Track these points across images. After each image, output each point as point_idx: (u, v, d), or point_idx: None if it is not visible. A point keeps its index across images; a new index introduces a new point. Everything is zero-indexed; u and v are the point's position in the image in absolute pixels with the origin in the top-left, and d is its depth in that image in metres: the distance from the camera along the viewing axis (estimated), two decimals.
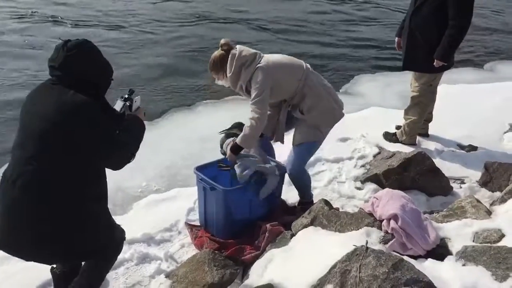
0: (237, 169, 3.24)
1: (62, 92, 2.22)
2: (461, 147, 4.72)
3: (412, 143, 4.67)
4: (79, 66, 2.27)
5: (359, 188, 4.02)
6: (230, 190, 3.20)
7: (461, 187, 3.98)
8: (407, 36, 4.35)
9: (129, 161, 2.34)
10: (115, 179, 2.29)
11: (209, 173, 3.34)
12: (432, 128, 4.89)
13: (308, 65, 3.35)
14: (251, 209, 3.33)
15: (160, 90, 6.34)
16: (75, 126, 2.16)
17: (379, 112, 5.66)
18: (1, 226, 2.24)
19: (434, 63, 4.18)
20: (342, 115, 3.47)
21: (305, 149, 3.45)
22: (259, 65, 3.14)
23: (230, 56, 3.19)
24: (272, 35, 9.02)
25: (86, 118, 2.18)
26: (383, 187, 3.81)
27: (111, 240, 2.49)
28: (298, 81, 3.23)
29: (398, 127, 4.95)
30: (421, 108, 4.52)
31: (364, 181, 4.05)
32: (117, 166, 2.33)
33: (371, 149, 4.63)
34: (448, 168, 4.19)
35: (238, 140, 3.24)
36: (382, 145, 4.72)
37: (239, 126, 3.74)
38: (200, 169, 3.37)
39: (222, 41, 3.28)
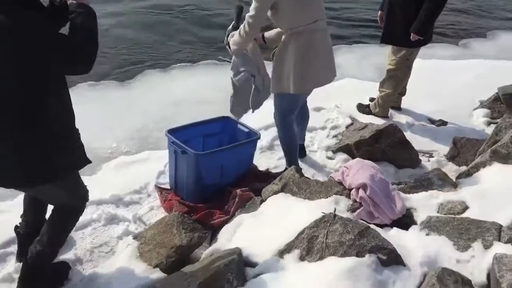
0: (231, 72, 3.24)
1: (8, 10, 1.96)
2: (432, 121, 4.78)
3: (385, 116, 4.72)
4: None
5: (330, 158, 4.04)
6: (202, 154, 3.18)
7: (429, 161, 4.06)
8: (387, 10, 4.37)
9: (94, 56, 2.12)
10: (84, 140, 2.23)
11: (181, 136, 3.30)
12: (405, 102, 4.93)
13: (322, 25, 3.17)
14: (222, 175, 3.32)
15: (134, 49, 6.19)
16: (26, 45, 1.97)
17: (354, 84, 5.67)
18: None
19: (411, 37, 4.19)
20: (310, 85, 3.33)
21: (277, 100, 3.45)
22: None
23: None
24: None
25: (34, 34, 1.98)
26: (354, 157, 3.84)
27: (75, 181, 2.42)
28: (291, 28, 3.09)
29: (371, 99, 4.97)
30: (395, 82, 4.55)
31: (335, 151, 4.08)
32: (85, 69, 2.12)
33: (344, 119, 4.65)
34: (418, 141, 4.26)
35: (232, 39, 3.17)
36: (355, 116, 4.74)
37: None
38: (172, 132, 3.33)
39: None
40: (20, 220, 2.72)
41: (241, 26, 3.09)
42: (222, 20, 7.63)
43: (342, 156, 4.00)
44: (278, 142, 4.22)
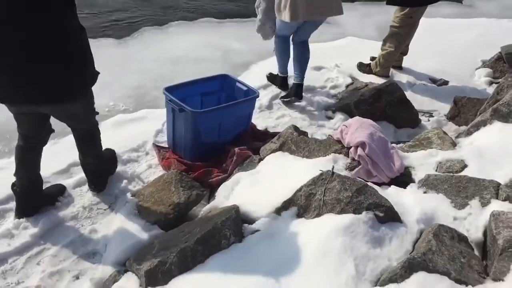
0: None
1: None
2: (433, 81, 4.73)
3: (386, 75, 4.65)
4: None
5: (329, 117, 4.01)
6: (199, 112, 3.14)
7: (429, 120, 4.03)
8: None
9: None
10: None
11: (178, 94, 3.25)
12: (406, 61, 4.86)
13: None
14: (220, 133, 3.29)
15: (130, 6, 6.04)
16: None
17: (355, 42, 5.58)
18: (7, 81, 2.23)
19: None
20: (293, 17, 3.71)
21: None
22: None
23: None
24: None
25: None
26: (353, 117, 3.80)
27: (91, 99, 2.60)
28: None
29: (372, 59, 4.90)
30: (398, 40, 4.47)
31: (335, 110, 4.05)
32: None
33: (344, 79, 4.60)
34: (418, 101, 4.22)
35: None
36: (356, 76, 4.69)
37: None
38: (170, 90, 3.27)
39: None
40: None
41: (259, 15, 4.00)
42: None
43: (341, 115, 3.97)
44: (277, 101, 4.22)
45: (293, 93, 4.11)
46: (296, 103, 4.14)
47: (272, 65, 4.49)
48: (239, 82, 3.57)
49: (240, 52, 5.12)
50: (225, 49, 5.15)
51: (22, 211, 2.69)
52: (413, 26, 4.44)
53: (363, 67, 4.78)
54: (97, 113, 2.77)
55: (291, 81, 4.25)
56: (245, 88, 3.48)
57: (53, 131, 2.69)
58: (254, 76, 4.56)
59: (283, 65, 4.29)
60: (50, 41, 2.18)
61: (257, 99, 3.48)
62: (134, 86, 4.26)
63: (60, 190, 2.91)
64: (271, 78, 4.46)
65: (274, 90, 4.36)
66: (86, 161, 2.88)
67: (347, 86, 4.51)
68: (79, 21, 2.31)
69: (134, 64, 4.69)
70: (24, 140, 2.63)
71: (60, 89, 2.30)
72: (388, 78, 4.59)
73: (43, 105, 2.37)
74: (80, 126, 2.71)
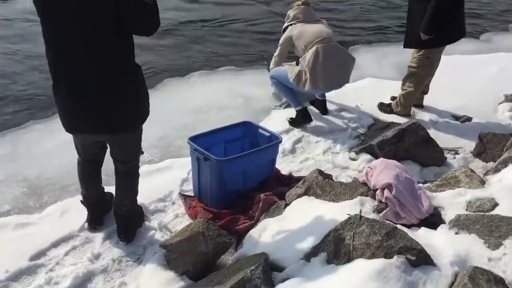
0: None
1: None
2: (456, 117, 4.70)
3: (407, 115, 4.65)
4: None
5: (353, 159, 4.01)
6: (224, 160, 3.18)
7: (455, 158, 3.98)
8: (407, 16, 4.39)
9: (158, 26, 2.44)
10: (109, 149, 2.34)
11: (202, 143, 3.32)
12: (427, 99, 4.86)
13: (325, 38, 4.26)
14: (245, 180, 3.32)
15: (154, 59, 6.23)
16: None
17: (374, 83, 5.61)
18: (74, 112, 2.51)
19: (421, 37, 4.16)
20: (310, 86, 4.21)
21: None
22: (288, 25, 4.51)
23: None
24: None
25: None
26: (377, 157, 3.79)
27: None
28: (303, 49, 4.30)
29: (393, 98, 4.92)
30: (417, 80, 4.49)
31: (358, 151, 4.04)
32: (152, 30, 2.44)
33: (365, 119, 4.61)
34: (442, 138, 4.19)
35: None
36: (377, 116, 4.70)
37: None
38: (194, 139, 3.34)
39: None
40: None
41: (272, 60, 4.76)
42: (238, 26, 7.69)
43: (365, 156, 3.96)
44: (300, 145, 4.24)
45: (321, 110, 4.71)
46: (320, 146, 4.17)
47: (294, 109, 4.55)
48: (262, 128, 3.62)
49: (260, 98, 5.20)
50: (246, 96, 5.23)
51: (96, 221, 3.08)
52: (432, 66, 4.46)
53: (384, 107, 4.80)
54: (143, 152, 3.02)
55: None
56: (267, 134, 3.53)
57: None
58: (276, 121, 4.61)
59: (295, 99, 4.53)
60: (118, 74, 2.45)
61: (280, 144, 3.51)
62: (159, 136, 4.35)
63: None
64: (292, 121, 4.53)
65: (296, 134, 4.40)
66: (122, 203, 2.98)
67: (369, 127, 4.52)
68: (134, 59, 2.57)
69: (158, 115, 4.75)
70: (85, 162, 2.97)
71: (125, 119, 2.60)
72: (409, 117, 4.58)
73: (107, 134, 2.65)
74: (128, 159, 2.91)
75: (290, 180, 3.55)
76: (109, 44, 2.38)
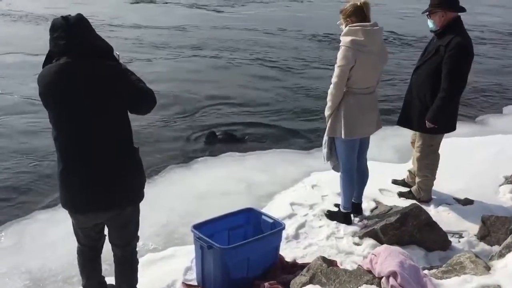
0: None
1: (90, 64, 2.52)
2: (457, 200, 4.72)
3: (430, 199, 4.65)
4: (89, 36, 2.56)
5: (357, 244, 3.98)
6: (227, 248, 3.19)
7: (459, 241, 3.97)
8: (406, 92, 4.49)
9: (155, 104, 2.74)
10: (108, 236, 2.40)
11: (206, 231, 3.34)
12: None
13: (371, 90, 3.95)
14: (248, 268, 3.30)
15: (156, 147, 6.38)
16: (120, 88, 2.56)
17: (375, 166, 5.67)
18: (82, 193, 2.63)
19: (426, 125, 4.24)
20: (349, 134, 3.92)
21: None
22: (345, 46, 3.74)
23: (350, 21, 3.76)
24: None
25: (125, 79, 2.60)
26: (381, 242, 3.79)
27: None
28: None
29: (394, 181, 4.98)
30: (429, 168, 4.53)
31: (362, 236, 4.03)
32: (148, 110, 2.76)
33: (368, 203, 4.63)
34: (445, 222, 4.19)
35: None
36: (379, 200, 4.73)
37: None
38: (198, 227, 3.36)
39: (365, 1, 3.77)
40: None
41: (329, 90, 3.90)
42: (237, 109, 7.92)
43: (369, 241, 3.94)
44: (303, 230, 4.24)
45: (354, 210, 4.34)
46: (323, 231, 4.17)
47: (297, 193, 4.59)
48: (265, 214, 3.66)
49: (263, 183, 5.27)
50: (249, 181, 5.31)
51: None
52: (435, 152, 4.52)
53: (406, 194, 4.75)
54: (138, 237, 3.04)
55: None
56: (271, 221, 3.56)
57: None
58: (279, 206, 4.65)
59: (348, 200, 4.24)
60: (123, 155, 2.67)
61: (283, 230, 3.52)
62: (163, 223, 4.36)
63: None
64: (331, 215, 4.39)
65: (299, 219, 4.41)
66: None
67: (371, 211, 4.54)
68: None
69: (162, 201, 4.85)
70: (85, 249, 2.99)
71: (125, 194, 2.73)
72: (430, 200, 4.61)
73: (109, 210, 2.72)
74: (128, 241, 2.96)
75: (295, 268, 3.51)
76: (114, 130, 2.64)
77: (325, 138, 4.13)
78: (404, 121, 4.54)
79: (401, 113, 4.55)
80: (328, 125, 4.00)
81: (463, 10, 4.19)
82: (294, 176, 5.40)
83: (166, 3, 18.65)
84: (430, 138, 4.42)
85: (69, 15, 2.56)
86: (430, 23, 4.24)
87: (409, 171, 4.92)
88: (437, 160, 4.56)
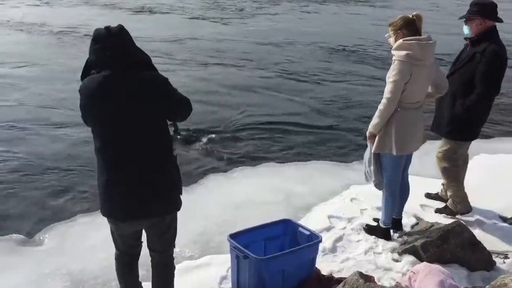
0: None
1: (135, 74, 2.58)
2: (504, 219, 4.54)
3: (468, 211, 4.51)
4: (131, 47, 2.63)
5: (396, 260, 3.89)
6: (263, 259, 3.18)
7: (504, 262, 3.81)
8: (439, 98, 4.40)
9: (191, 112, 2.84)
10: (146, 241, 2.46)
11: (242, 240, 3.34)
12: (473, 199, 4.73)
13: (419, 105, 3.85)
14: (284, 280, 3.28)
15: (194, 155, 6.45)
16: (165, 98, 2.62)
17: (416, 181, 5.54)
18: (126, 201, 2.67)
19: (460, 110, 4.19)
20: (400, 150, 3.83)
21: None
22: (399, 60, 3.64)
23: (401, 34, 3.69)
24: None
25: (168, 89, 2.66)
26: (421, 259, 3.69)
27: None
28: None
29: (427, 195, 4.89)
30: (449, 176, 4.43)
31: (401, 253, 3.93)
32: (185, 118, 2.85)
33: (408, 219, 4.52)
34: (490, 241, 4.03)
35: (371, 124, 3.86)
36: (420, 216, 4.61)
37: None
38: (234, 236, 3.37)
39: (418, 14, 3.74)
40: None
41: (379, 108, 3.77)
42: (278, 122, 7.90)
43: (409, 258, 3.84)
44: (340, 243, 4.18)
45: (394, 226, 4.23)
46: (361, 245, 4.09)
47: (335, 206, 4.53)
48: (302, 226, 3.63)
49: (301, 194, 5.23)
50: (287, 192, 5.28)
51: None
52: (456, 160, 4.40)
53: (442, 210, 4.64)
54: (175, 244, 3.07)
55: None
56: (308, 233, 3.53)
57: None
58: (316, 218, 4.60)
59: (389, 216, 4.16)
60: (165, 162, 2.72)
61: (320, 243, 3.48)
62: (200, 231, 4.40)
63: None
64: (370, 229, 4.33)
65: (337, 232, 4.34)
66: None
67: (412, 227, 4.42)
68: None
69: (199, 210, 4.89)
70: (123, 255, 3.03)
71: (166, 203, 2.78)
72: (470, 212, 4.49)
73: (149, 218, 2.78)
74: (166, 248, 3.00)
75: (331, 282, 3.46)
76: (156, 139, 2.69)
77: (368, 155, 4.03)
78: (436, 128, 4.48)
79: (434, 119, 4.50)
80: (376, 140, 3.87)
81: (500, 20, 4.13)
82: (333, 188, 5.34)
83: (168, 13, 18.28)
84: (456, 146, 4.35)
85: (110, 26, 2.60)
86: (466, 29, 4.20)
87: (443, 184, 4.79)
88: (456, 167, 4.44)
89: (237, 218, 4.60)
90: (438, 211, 4.68)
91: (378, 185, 4.11)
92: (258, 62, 11.20)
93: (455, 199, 4.52)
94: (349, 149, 6.89)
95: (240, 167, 6.05)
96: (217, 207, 4.95)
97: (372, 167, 4.00)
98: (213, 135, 7.13)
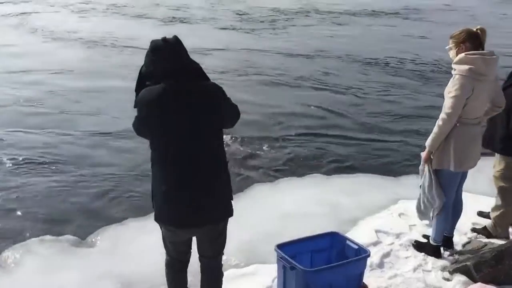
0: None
1: (194, 85, 2.66)
2: None
3: (505, 236, 4.35)
4: (187, 57, 2.70)
5: (447, 279, 3.77)
6: (310, 271, 3.16)
7: None
8: None
9: (239, 118, 2.93)
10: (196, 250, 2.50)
11: (289, 251, 3.33)
12: None
13: (478, 121, 3.76)
14: None
15: (241, 163, 6.50)
16: (221, 106, 2.72)
17: (469, 199, 5.37)
18: (186, 208, 2.71)
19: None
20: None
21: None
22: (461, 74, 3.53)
23: (464, 48, 3.60)
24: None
25: (224, 98, 2.75)
26: (474, 280, 3.58)
27: None
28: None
29: (480, 213, 4.72)
30: (506, 196, 4.26)
31: (452, 272, 3.81)
32: (233, 125, 2.95)
33: (460, 237, 4.38)
34: None
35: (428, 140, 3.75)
36: (472, 234, 4.46)
37: None
38: (281, 247, 3.37)
39: (482, 27, 3.67)
40: None
41: (437, 123, 3.65)
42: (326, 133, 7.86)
43: (460, 278, 3.72)
44: (388, 259, 4.10)
45: (444, 244, 4.13)
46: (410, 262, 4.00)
47: (383, 221, 4.45)
48: (349, 240, 3.58)
49: (347, 207, 5.18)
50: (333, 204, 5.24)
51: None
52: None
53: (481, 230, 4.50)
54: (223, 252, 3.12)
55: None
56: (355, 247, 3.48)
57: None
58: (363, 232, 4.53)
59: (440, 233, 4.04)
60: (222, 170, 2.80)
61: (368, 258, 3.43)
62: (246, 240, 4.42)
63: None
64: (419, 246, 4.22)
65: (385, 247, 4.26)
66: None
67: (463, 245, 4.29)
68: None
69: (245, 219, 4.90)
70: (174, 261, 3.07)
71: (220, 210, 2.84)
72: (507, 240, 4.28)
73: (204, 226, 2.82)
74: (216, 254, 3.05)
75: None
76: (213, 147, 2.76)
77: (428, 181, 3.86)
78: (487, 143, 4.29)
79: (485, 134, 4.31)
80: (434, 157, 3.76)
81: None
82: (380, 202, 5.26)
83: (198, 23, 17.29)
84: (510, 162, 4.18)
85: (166, 37, 2.65)
86: None
87: None
88: None
89: (282, 228, 4.60)
90: (475, 230, 4.54)
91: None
92: (294, 73, 11.13)
93: (497, 221, 4.37)
94: (396, 163, 6.76)
95: (286, 178, 6.06)
96: (262, 216, 4.97)
97: (434, 191, 3.83)
98: (258, 145, 7.17)
